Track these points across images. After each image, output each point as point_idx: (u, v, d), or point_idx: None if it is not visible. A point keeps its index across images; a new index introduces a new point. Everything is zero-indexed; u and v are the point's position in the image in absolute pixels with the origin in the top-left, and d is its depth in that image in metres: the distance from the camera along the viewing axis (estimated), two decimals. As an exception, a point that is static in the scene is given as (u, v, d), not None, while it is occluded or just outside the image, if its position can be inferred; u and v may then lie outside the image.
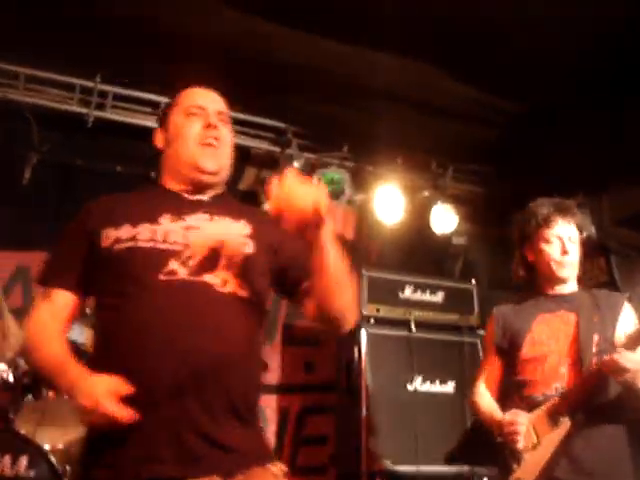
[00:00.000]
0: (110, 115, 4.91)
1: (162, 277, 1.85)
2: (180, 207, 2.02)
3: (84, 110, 4.82)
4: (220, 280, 1.88)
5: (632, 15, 3.73)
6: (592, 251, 5.59)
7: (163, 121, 2.21)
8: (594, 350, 2.89)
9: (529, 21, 3.72)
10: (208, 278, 1.87)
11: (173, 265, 1.86)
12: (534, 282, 3.16)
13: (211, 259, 1.90)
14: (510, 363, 3.07)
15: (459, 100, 4.40)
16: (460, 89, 4.33)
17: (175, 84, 2.23)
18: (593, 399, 2.85)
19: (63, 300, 2.01)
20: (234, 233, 1.99)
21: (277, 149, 5.24)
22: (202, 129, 2.09)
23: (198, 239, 1.92)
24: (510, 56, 3.97)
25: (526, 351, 3.02)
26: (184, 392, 1.76)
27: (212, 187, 2.12)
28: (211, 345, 1.81)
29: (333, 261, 1.88)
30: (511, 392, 3.05)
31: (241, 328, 1.91)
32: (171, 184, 2.12)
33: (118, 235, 1.93)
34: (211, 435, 1.76)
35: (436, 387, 5.04)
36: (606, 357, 2.77)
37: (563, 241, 3.04)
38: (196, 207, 2.04)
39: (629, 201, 4.78)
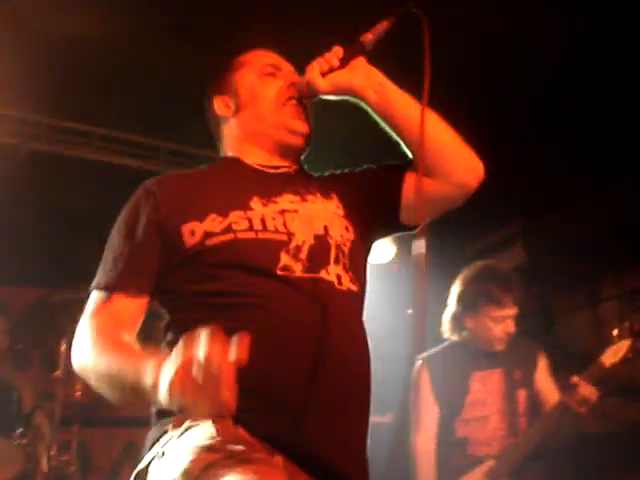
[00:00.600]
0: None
1: (280, 272, 1.58)
2: (266, 186, 1.75)
3: None
4: (335, 277, 1.65)
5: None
6: (526, 279, 5.70)
7: (223, 86, 1.93)
8: (521, 408, 2.97)
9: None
10: (324, 275, 1.63)
11: (285, 259, 1.60)
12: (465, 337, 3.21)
13: (321, 250, 1.66)
14: (449, 419, 3.10)
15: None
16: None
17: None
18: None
19: (128, 308, 1.65)
20: (332, 215, 1.76)
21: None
22: (285, 87, 1.85)
23: (301, 226, 1.67)
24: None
25: (467, 411, 3.06)
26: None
27: (299, 154, 1.90)
28: (352, 353, 1.60)
29: (403, 104, 1.76)
30: (453, 448, 3.07)
31: (362, 329, 1.70)
32: (247, 155, 1.85)
33: (207, 229, 1.63)
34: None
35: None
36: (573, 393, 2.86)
37: (510, 322, 3.13)
38: (283, 185, 1.78)
39: (562, 230, 4.87)
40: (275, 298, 1.55)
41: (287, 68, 1.93)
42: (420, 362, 3.19)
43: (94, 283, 1.68)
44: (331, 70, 1.77)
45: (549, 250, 5.21)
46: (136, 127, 4.75)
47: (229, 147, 1.92)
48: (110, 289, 1.64)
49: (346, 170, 1.95)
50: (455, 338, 3.25)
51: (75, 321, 1.65)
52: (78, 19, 3.72)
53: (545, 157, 4.01)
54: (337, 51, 1.79)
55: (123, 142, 4.81)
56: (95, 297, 1.66)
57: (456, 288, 3.29)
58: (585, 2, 3.47)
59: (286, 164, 1.87)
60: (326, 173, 1.96)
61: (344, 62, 1.77)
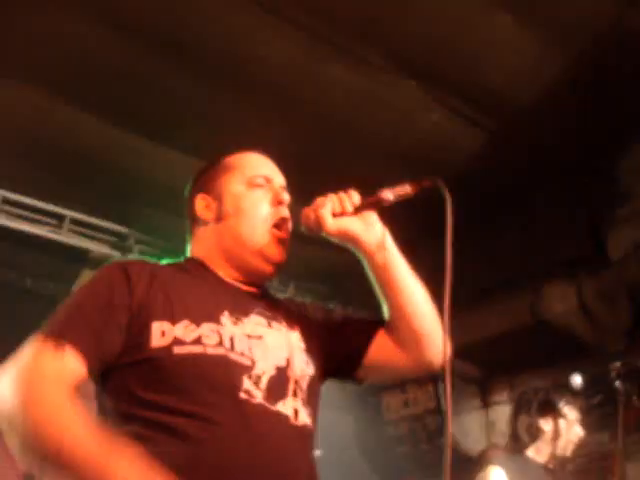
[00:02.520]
0: None
1: (243, 396, 1.49)
2: (236, 302, 1.65)
3: None
4: (292, 410, 1.56)
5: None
6: (421, 379, 5.76)
7: (208, 185, 1.80)
8: None
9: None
10: (281, 407, 1.54)
11: (247, 384, 1.51)
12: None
13: (280, 382, 1.56)
14: None
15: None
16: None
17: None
18: None
19: (74, 368, 1.47)
20: (295, 347, 1.67)
21: (117, 253, 5.10)
22: (271, 207, 1.74)
23: (264, 355, 1.58)
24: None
25: None
26: None
27: (268, 279, 1.80)
28: None
29: (399, 275, 1.68)
30: None
31: (312, 465, 1.61)
32: (217, 266, 1.73)
33: (177, 335, 1.51)
34: None
35: None
36: None
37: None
38: (251, 304, 1.68)
39: (458, 332, 4.96)
40: (234, 424, 1.46)
41: (278, 180, 1.81)
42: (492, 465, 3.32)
43: (47, 328, 1.50)
44: (342, 213, 1.67)
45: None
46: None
47: (198, 248, 1.79)
48: (56, 333, 1.48)
49: (316, 303, 1.92)
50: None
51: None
52: None
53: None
54: (353, 195, 1.69)
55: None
56: (43, 342, 1.47)
57: (523, 396, 3.67)
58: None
59: (254, 285, 1.76)
60: (293, 299, 1.91)
61: (357, 210, 1.67)
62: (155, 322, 1.52)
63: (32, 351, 1.48)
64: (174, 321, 1.53)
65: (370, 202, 1.68)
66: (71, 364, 1.46)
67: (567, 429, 3.42)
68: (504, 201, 4.46)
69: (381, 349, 1.74)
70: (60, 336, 1.47)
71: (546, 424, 3.42)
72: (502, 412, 5.34)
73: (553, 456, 3.40)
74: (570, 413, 3.43)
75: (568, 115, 3.79)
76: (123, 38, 3.36)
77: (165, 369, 1.48)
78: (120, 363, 1.52)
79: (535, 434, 3.44)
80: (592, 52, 3.38)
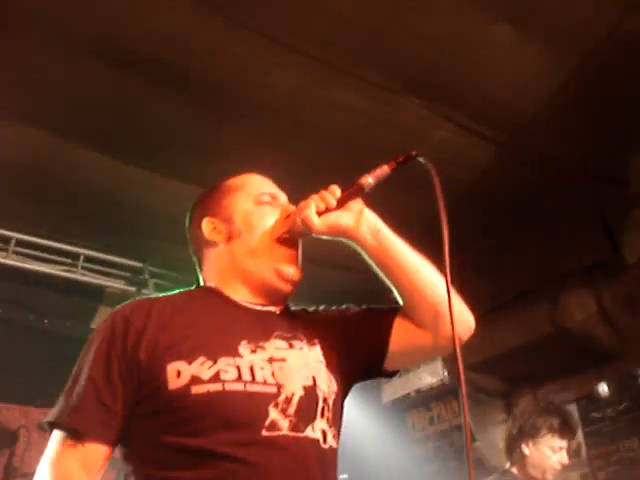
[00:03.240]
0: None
1: (265, 433, 1.46)
2: (254, 328, 1.62)
3: None
4: (321, 433, 1.54)
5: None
6: (445, 395, 5.73)
7: (215, 208, 1.79)
8: None
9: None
10: (310, 432, 1.52)
11: (273, 414, 1.48)
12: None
13: (309, 403, 1.55)
14: None
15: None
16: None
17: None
18: None
19: (97, 454, 1.49)
20: (318, 365, 1.65)
21: (133, 289, 5.12)
22: (281, 221, 1.74)
23: (290, 376, 1.56)
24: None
25: None
26: None
27: (286, 298, 1.76)
28: None
29: (398, 253, 1.67)
30: None
31: None
32: (231, 289, 1.70)
33: (194, 373, 1.47)
34: None
35: None
36: None
37: (565, 454, 3.44)
38: (270, 327, 1.65)
39: (480, 346, 4.95)
40: (258, 464, 1.43)
41: (283, 198, 1.83)
42: None
43: (58, 418, 1.51)
44: (327, 210, 1.67)
45: (468, 366, 5.26)
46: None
47: (211, 274, 1.77)
48: (70, 428, 1.49)
49: (330, 308, 1.86)
50: (507, 464, 3.54)
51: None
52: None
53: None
54: (334, 190, 1.69)
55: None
56: (60, 438, 1.50)
57: (516, 417, 3.64)
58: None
59: (272, 304, 1.73)
60: (309, 309, 1.85)
61: (341, 203, 1.68)
62: (170, 364, 1.49)
63: (55, 455, 1.49)
64: (190, 359, 1.49)
65: (352, 191, 1.69)
66: (94, 452, 1.49)
67: (546, 457, 3.42)
68: (516, 212, 4.45)
69: (403, 334, 1.72)
70: (74, 429, 1.49)
71: (526, 448, 3.44)
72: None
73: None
74: (553, 440, 3.42)
75: (575, 121, 3.78)
76: (125, 74, 3.39)
77: (184, 410, 1.46)
78: (141, 412, 1.51)
79: (518, 457, 3.49)
80: (594, 57, 3.37)
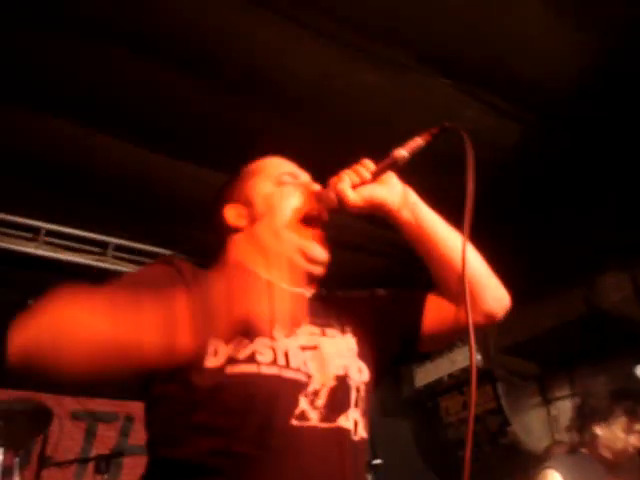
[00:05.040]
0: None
1: (294, 422, 1.42)
2: (288, 312, 1.50)
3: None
4: (353, 423, 1.50)
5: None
6: (479, 379, 5.68)
7: (235, 194, 1.77)
8: None
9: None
10: (342, 422, 1.48)
11: (303, 404, 1.45)
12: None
13: (342, 393, 1.51)
14: None
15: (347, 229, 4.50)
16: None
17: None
18: None
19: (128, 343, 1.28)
20: (350, 354, 1.61)
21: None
22: (305, 200, 1.70)
23: (321, 367, 1.52)
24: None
25: None
26: None
27: (317, 280, 1.72)
28: None
29: (433, 227, 1.64)
30: None
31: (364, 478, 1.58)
32: (262, 270, 1.63)
33: (230, 353, 1.44)
34: None
35: None
36: None
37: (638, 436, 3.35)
38: (302, 311, 1.60)
39: (513, 329, 4.90)
40: (284, 453, 1.39)
41: (304, 177, 1.80)
42: (549, 469, 3.27)
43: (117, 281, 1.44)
44: (362, 183, 1.63)
45: (502, 350, 5.22)
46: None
47: (238, 257, 1.71)
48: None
49: (360, 292, 1.82)
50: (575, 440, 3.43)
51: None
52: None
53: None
54: (368, 164, 1.66)
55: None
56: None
57: (588, 397, 3.52)
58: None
59: (302, 286, 1.69)
60: (340, 294, 1.80)
61: (375, 176, 1.64)
62: (210, 339, 1.43)
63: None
64: (227, 338, 1.44)
65: (386, 164, 1.65)
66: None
67: (619, 439, 3.35)
68: (548, 194, 4.37)
69: (436, 312, 1.68)
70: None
71: (599, 429, 3.37)
72: (564, 407, 5.25)
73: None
74: (625, 423, 3.36)
75: (606, 102, 3.69)
76: (151, 60, 3.37)
77: (217, 390, 1.42)
78: (173, 381, 1.44)
79: (589, 439, 3.41)
80: (626, 36, 3.28)
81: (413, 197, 1.68)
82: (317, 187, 1.73)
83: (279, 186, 1.73)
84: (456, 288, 1.62)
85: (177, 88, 3.56)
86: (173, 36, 3.25)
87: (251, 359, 1.45)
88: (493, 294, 1.65)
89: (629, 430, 3.30)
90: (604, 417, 3.35)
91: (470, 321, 1.47)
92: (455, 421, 6.06)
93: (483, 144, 3.80)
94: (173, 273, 1.54)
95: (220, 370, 1.43)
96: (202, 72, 3.48)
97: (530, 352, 5.13)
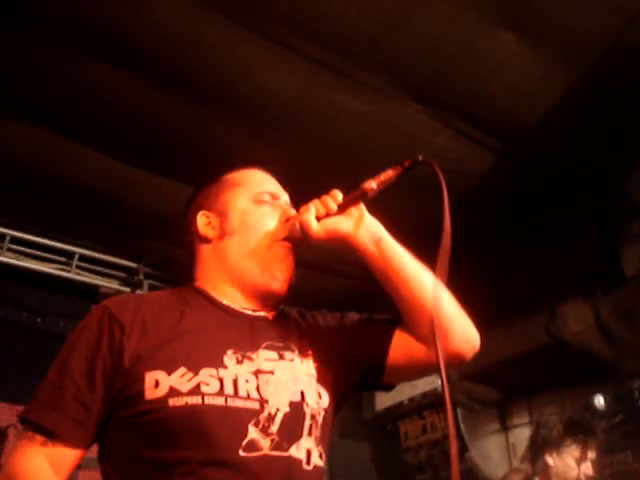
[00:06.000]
0: None
1: (242, 453, 1.37)
2: (242, 336, 1.54)
3: None
4: (305, 453, 1.46)
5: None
6: (439, 404, 5.69)
7: (211, 202, 1.73)
8: None
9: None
10: (294, 452, 1.44)
11: (252, 433, 1.40)
12: None
13: (295, 420, 1.47)
14: None
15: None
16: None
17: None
18: None
19: (69, 455, 1.44)
20: (309, 379, 1.57)
21: (127, 289, 5.08)
22: (279, 223, 1.67)
23: (277, 391, 1.48)
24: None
25: None
26: None
27: (279, 301, 1.68)
28: None
29: (400, 263, 1.58)
30: None
31: None
32: (221, 292, 1.63)
33: (173, 384, 1.40)
34: None
35: None
36: None
37: (589, 465, 3.46)
38: (260, 335, 1.57)
39: (476, 355, 4.91)
40: None
41: (284, 198, 1.76)
42: None
43: (32, 414, 1.45)
44: (327, 215, 1.60)
45: (463, 376, 5.23)
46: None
47: (202, 273, 1.70)
48: (51, 433, 1.42)
49: (328, 313, 1.78)
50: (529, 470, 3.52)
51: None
52: None
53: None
54: (336, 195, 1.62)
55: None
56: (31, 434, 1.44)
57: (540, 427, 3.63)
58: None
59: (264, 308, 1.66)
60: (306, 313, 1.77)
61: (342, 208, 1.60)
62: (148, 372, 1.42)
63: (25, 451, 1.43)
64: (169, 369, 1.42)
65: (354, 196, 1.61)
66: (66, 453, 1.43)
67: (570, 468, 3.41)
68: (515, 222, 4.43)
69: (402, 349, 1.63)
70: (46, 428, 1.43)
71: (550, 459, 3.43)
72: (522, 435, 5.27)
73: None
74: (577, 451, 3.41)
75: (576, 132, 3.76)
76: (126, 74, 3.36)
77: (161, 423, 1.39)
78: (116, 416, 1.45)
79: (542, 469, 3.46)
80: (597, 67, 3.35)
81: (380, 231, 1.63)
82: (293, 213, 1.69)
83: (257, 205, 1.70)
84: (424, 328, 1.57)
85: (146, 102, 3.55)
86: (146, 50, 3.24)
87: (195, 391, 1.41)
88: (463, 335, 1.59)
89: (581, 459, 3.35)
90: (556, 446, 3.40)
91: (442, 367, 1.36)
92: (414, 445, 6.06)
93: (452, 171, 3.86)
94: (107, 328, 1.49)
95: (162, 401, 1.40)
96: (171, 86, 3.47)
97: (491, 379, 5.16)
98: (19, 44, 3.19)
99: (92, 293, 4.96)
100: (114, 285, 5.08)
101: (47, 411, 1.44)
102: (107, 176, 4.10)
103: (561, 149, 3.87)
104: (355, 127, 3.67)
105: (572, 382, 4.90)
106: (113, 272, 5.09)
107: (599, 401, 4.73)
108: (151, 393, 1.40)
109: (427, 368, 1.65)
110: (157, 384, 1.41)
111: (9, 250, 4.60)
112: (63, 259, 4.81)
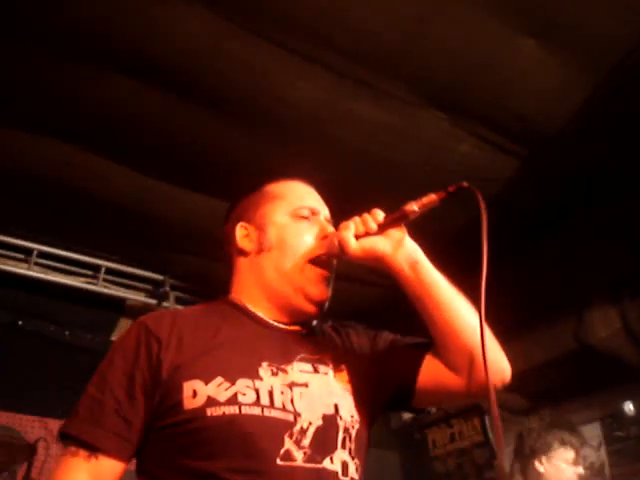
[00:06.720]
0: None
1: (280, 462, 1.39)
2: (277, 349, 1.57)
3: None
4: (340, 465, 1.47)
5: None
6: (467, 412, 5.66)
7: (251, 214, 1.75)
8: None
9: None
10: (328, 464, 1.45)
11: (288, 444, 1.42)
12: None
13: (328, 433, 1.49)
14: None
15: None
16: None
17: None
18: None
19: (112, 469, 1.46)
20: (342, 392, 1.59)
21: (154, 301, 5.11)
22: (317, 241, 1.68)
23: (310, 405, 1.49)
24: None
25: None
26: None
27: (312, 319, 1.71)
28: None
29: (436, 288, 1.57)
30: None
31: None
32: (257, 305, 1.66)
33: (211, 394, 1.43)
34: None
35: None
36: None
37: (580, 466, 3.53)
38: (294, 348, 1.60)
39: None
40: None
41: (324, 213, 1.77)
42: None
43: (73, 430, 1.48)
44: (367, 234, 1.60)
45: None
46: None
47: (238, 285, 1.72)
48: (94, 448, 1.44)
49: (362, 329, 1.80)
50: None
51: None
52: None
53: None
54: (377, 214, 1.62)
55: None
56: (74, 450, 1.46)
57: (525, 437, 3.63)
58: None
59: (297, 324, 1.68)
60: (340, 327, 1.78)
61: (382, 228, 1.60)
62: (186, 382, 1.45)
63: (68, 468, 1.46)
64: (207, 379, 1.45)
65: (395, 218, 1.60)
66: (108, 467, 1.45)
67: (561, 470, 3.38)
68: (540, 228, 4.40)
69: (432, 374, 1.63)
70: (89, 443, 1.45)
71: (540, 466, 3.41)
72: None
73: None
74: (566, 453, 3.39)
75: (600, 136, 3.74)
76: (149, 87, 3.39)
77: (199, 432, 1.42)
78: (155, 427, 1.48)
79: (531, 477, 3.44)
80: (620, 71, 3.32)
81: (418, 255, 1.62)
82: (331, 229, 1.70)
83: (295, 220, 1.70)
84: (455, 356, 1.58)
85: (170, 114, 3.57)
86: (169, 64, 3.26)
87: (233, 401, 1.44)
88: (496, 368, 1.55)
89: (567, 461, 3.33)
90: (544, 452, 3.38)
91: (493, 402, 1.39)
92: (442, 454, 6.03)
93: (476, 178, 3.85)
94: (145, 345, 1.52)
95: (200, 411, 1.42)
96: (194, 99, 3.48)
97: (519, 386, 5.13)
98: (40, 61, 3.23)
99: (119, 306, 5.01)
100: (140, 297, 5.11)
101: (88, 426, 1.47)
102: (132, 190, 4.13)
103: (584, 153, 3.84)
104: (378, 136, 3.67)
105: (601, 388, 4.86)
106: (139, 284, 5.12)
107: (629, 407, 4.69)
108: (189, 403, 1.43)
109: (456, 396, 1.66)
110: (195, 394, 1.44)
111: (36, 264, 4.65)
112: (90, 272, 4.86)
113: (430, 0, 2.99)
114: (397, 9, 3.04)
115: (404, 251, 1.61)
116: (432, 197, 1.57)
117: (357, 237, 1.60)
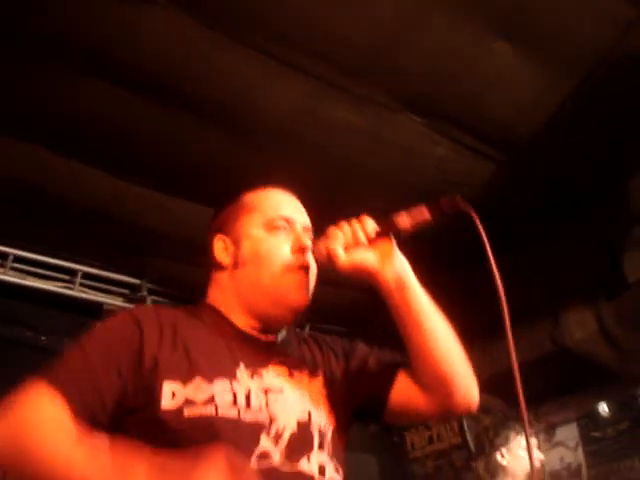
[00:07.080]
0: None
1: (255, 463, 1.39)
2: (254, 355, 1.56)
3: None
4: (317, 467, 1.48)
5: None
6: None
7: (228, 226, 1.72)
8: None
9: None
10: (304, 466, 1.46)
11: (265, 443, 1.42)
12: None
13: (304, 437, 1.49)
14: None
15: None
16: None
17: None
18: None
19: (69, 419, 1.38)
20: (317, 397, 1.59)
21: (131, 306, 5.08)
22: (292, 252, 1.64)
23: (285, 409, 1.49)
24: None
25: None
26: None
27: (291, 324, 1.71)
28: None
29: (417, 312, 1.57)
30: None
31: None
32: (234, 316, 1.64)
33: (188, 395, 1.43)
34: None
35: None
36: None
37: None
38: (270, 354, 1.60)
39: (480, 366, 4.91)
40: None
41: (301, 221, 1.72)
42: None
43: (51, 375, 1.45)
44: (356, 246, 1.57)
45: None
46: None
47: (216, 296, 1.70)
48: (63, 393, 1.40)
49: (338, 339, 1.80)
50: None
51: None
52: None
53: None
54: (367, 223, 1.58)
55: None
56: (46, 387, 1.43)
57: (480, 440, 3.75)
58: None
59: (274, 332, 1.68)
60: (316, 336, 1.79)
61: (372, 241, 1.57)
62: (166, 382, 1.44)
63: (27, 395, 1.45)
64: (185, 380, 1.45)
65: (386, 231, 1.57)
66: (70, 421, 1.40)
67: (522, 458, 3.43)
68: (517, 231, 4.43)
69: (404, 394, 1.65)
70: (57, 387, 1.42)
71: (502, 459, 3.45)
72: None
73: None
74: (523, 441, 3.45)
75: (576, 140, 3.77)
76: (127, 92, 3.37)
77: (175, 432, 1.40)
78: (131, 419, 1.46)
79: (495, 472, 3.48)
80: (595, 75, 3.36)
81: (405, 273, 1.61)
82: (308, 242, 1.67)
83: (270, 232, 1.67)
84: (429, 378, 1.60)
85: (148, 119, 3.55)
86: (145, 69, 3.25)
87: (209, 402, 1.44)
88: (466, 394, 1.62)
89: (524, 447, 3.38)
90: (502, 444, 3.42)
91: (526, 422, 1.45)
92: (421, 456, 6.05)
93: (453, 182, 3.87)
94: (130, 331, 1.52)
95: (177, 412, 1.42)
96: (172, 104, 3.47)
97: (496, 388, 5.15)
98: (21, 64, 3.21)
99: (96, 310, 4.97)
100: (118, 302, 5.08)
101: (66, 380, 1.45)
102: (109, 194, 4.11)
103: (561, 158, 3.88)
104: (355, 140, 3.68)
105: (577, 389, 4.90)
106: (116, 289, 5.09)
107: (604, 408, 4.74)
108: (167, 403, 1.43)
109: (425, 415, 1.71)
110: (174, 395, 1.43)
111: (12, 269, 4.60)
112: (66, 277, 4.81)
113: (407, 5, 3.00)
114: (374, 15, 3.05)
115: (392, 268, 1.59)
116: (425, 214, 1.55)
117: (345, 249, 1.57)
